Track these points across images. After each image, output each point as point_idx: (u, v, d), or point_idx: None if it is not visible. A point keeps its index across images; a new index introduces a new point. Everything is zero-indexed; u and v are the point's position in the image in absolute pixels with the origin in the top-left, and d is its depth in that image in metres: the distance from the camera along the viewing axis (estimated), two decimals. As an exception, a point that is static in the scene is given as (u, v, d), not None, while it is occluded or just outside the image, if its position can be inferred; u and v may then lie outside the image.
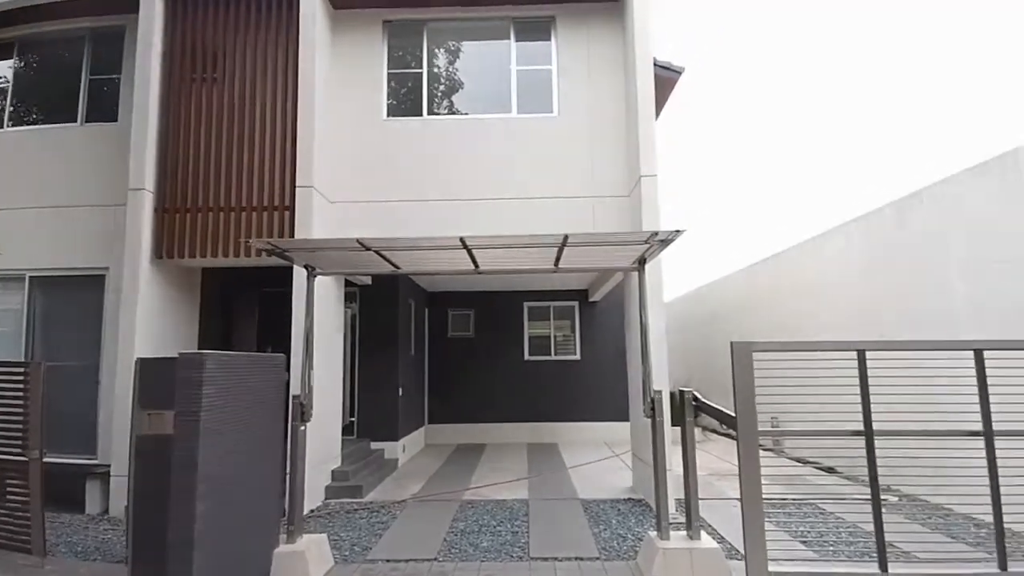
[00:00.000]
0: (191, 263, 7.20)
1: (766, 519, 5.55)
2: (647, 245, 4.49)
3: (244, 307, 8.98)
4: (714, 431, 11.57)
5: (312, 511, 6.45)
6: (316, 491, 6.78)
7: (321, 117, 7.22)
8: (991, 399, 3.61)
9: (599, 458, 9.36)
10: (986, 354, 3.66)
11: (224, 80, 7.20)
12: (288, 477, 4.70)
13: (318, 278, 6.91)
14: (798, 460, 8.34)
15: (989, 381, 3.63)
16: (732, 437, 3.70)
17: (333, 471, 7.21)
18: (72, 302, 7.15)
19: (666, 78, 9.06)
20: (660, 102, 9.43)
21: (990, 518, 3.57)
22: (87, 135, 7.41)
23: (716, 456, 9.30)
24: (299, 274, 6.53)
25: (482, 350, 12.04)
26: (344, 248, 4.43)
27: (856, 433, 3.69)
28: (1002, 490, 3.51)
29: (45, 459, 6.38)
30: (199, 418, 3.42)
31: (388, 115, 7.86)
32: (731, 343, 3.73)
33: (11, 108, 7.68)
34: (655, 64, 8.78)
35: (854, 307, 7.89)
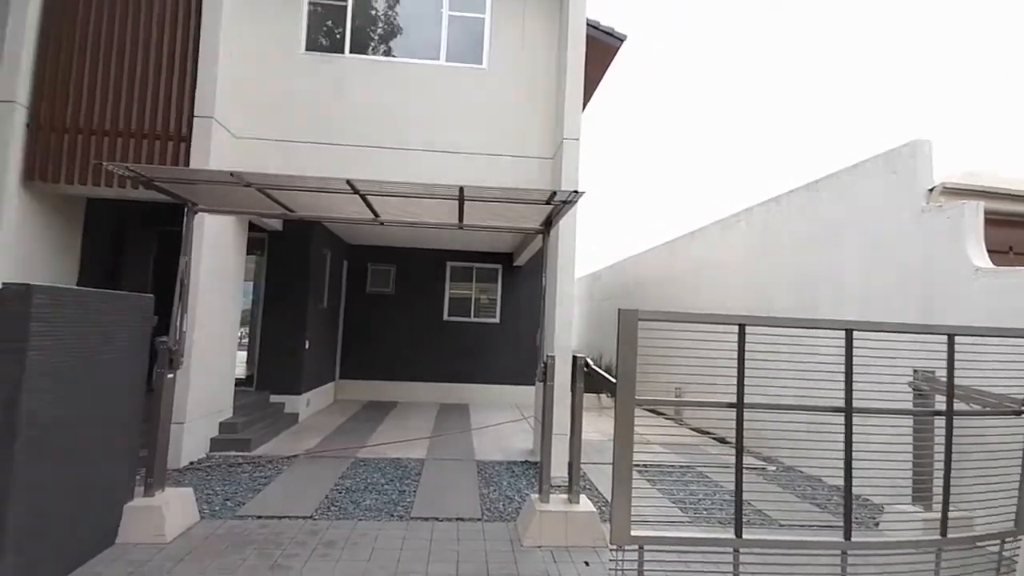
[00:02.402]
0: (71, 191, 6.50)
1: (648, 483, 5.68)
2: (550, 206, 4.35)
3: (137, 247, 8.28)
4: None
5: (192, 463, 6.12)
6: (200, 442, 6.43)
7: (229, 40, 6.60)
8: (856, 378, 3.73)
9: (505, 420, 9.39)
10: (855, 334, 3.77)
11: (116, -13, 6.42)
12: (152, 428, 4.35)
13: (213, 218, 6.49)
14: (697, 430, 8.67)
15: (856, 360, 3.76)
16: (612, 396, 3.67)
17: (221, 423, 6.85)
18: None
19: (607, 44, 8.88)
20: (600, 68, 9.26)
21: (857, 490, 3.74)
22: (-53, 34, 6.46)
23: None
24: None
25: (401, 307, 11.77)
26: (219, 181, 4.05)
27: (730, 405, 3.74)
28: (854, 464, 3.67)
29: None
30: (24, 357, 3.04)
31: (308, 48, 7.30)
32: (619, 310, 3.66)
33: None
34: (597, 28, 8.57)
35: (752, 286, 8.18)
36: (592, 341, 15.99)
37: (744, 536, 3.54)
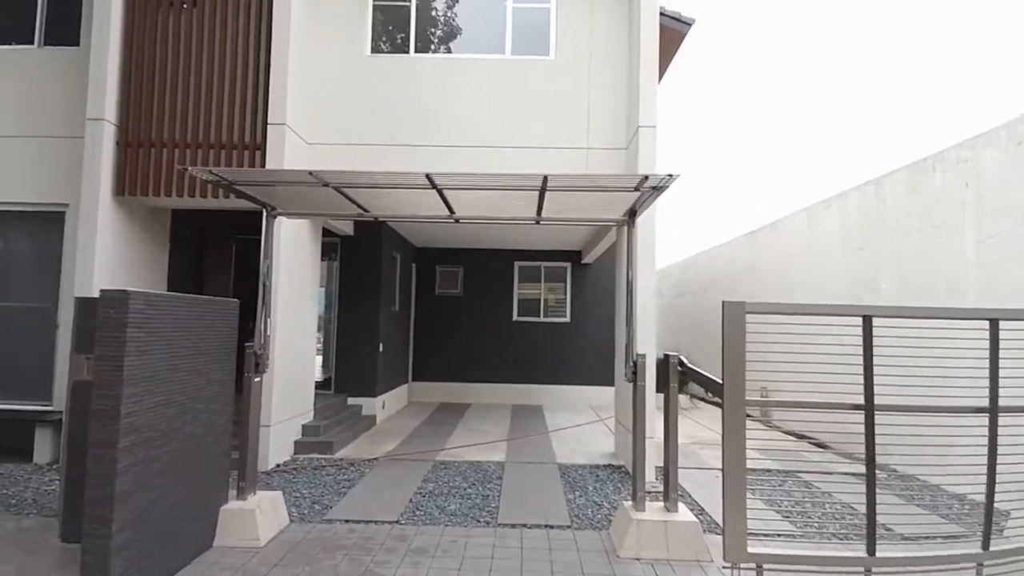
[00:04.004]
0: (156, 202, 6.75)
1: (749, 492, 5.28)
2: (637, 193, 4.06)
3: (218, 253, 8.56)
4: (702, 399, 11.33)
5: (278, 466, 6.19)
6: (285, 445, 6.51)
7: (298, 50, 6.67)
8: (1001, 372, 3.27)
9: (583, 422, 9.11)
10: (1002, 324, 3.29)
11: (194, 3, 6.61)
12: (241, 431, 4.37)
13: (290, 223, 6.56)
14: (788, 433, 8.09)
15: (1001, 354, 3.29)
16: (720, 405, 3.35)
17: (304, 426, 6.93)
18: (28, 240, 6.72)
19: (674, 30, 8.47)
20: (667, 56, 8.86)
21: (981, 497, 3.30)
22: (45, 59, 6.84)
23: (702, 424, 9.06)
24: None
25: (470, 309, 11.70)
26: (298, 182, 4.00)
27: (856, 407, 3.35)
28: (998, 469, 3.21)
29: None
30: (123, 363, 3.05)
31: (373, 51, 7.30)
32: (723, 302, 3.34)
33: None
34: (663, 14, 8.17)
35: (853, 277, 7.52)
36: (664, 339, 15.44)
37: (878, 554, 3.15)
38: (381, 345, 8.98)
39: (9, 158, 6.64)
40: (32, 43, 6.92)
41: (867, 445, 3.23)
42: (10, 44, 6.95)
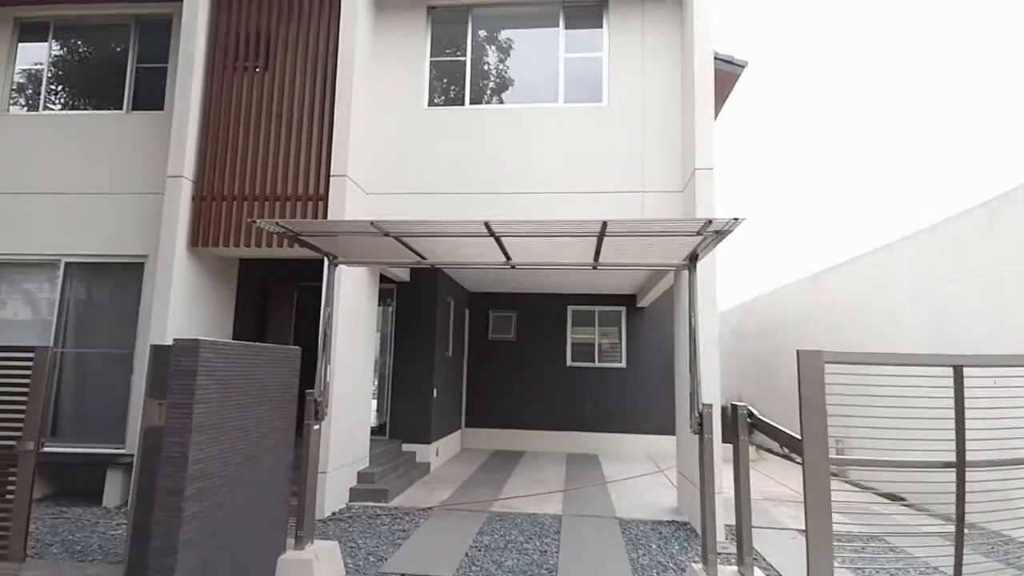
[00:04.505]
0: (226, 252, 7.08)
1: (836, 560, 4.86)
2: (700, 237, 3.95)
3: (280, 301, 8.87)
4: (769, 450, 10.72)
5: (334, 514, 6.17)
6: (340, 492, 6.50)
7: (359, 105, 6.98)
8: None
9: (642, 473, 8.75)
10: None
11: (265, 68, 7.07)
12: (300, 478, 4.38)
13: (349, 271, 6.74)
14: (859, 486, 7.52)
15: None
16: (792, 459, 3.12)
17: (359, 472, 6.92)
18: (109, 289, 7.14)
19: (727, 72, 8.46)
20: (721, 97, 8.82)
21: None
22: (133, 123, 7.41)
23: (772, 478, 8.53)
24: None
25: (523, 354, 11.61)
26: (359, 232, 4.10)
27: (946, 464, 3.05)
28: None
29: (66, 449, 6.41)
30: (192, 411, 3.12)
31: (429, 104, 7.57)
32: (798, 352, 3.15)
33: (53, 91, 7.78)
34: (716, 58, 8.17)
35: (930, 321, 7.04)
36: (724, 386, 14.82)
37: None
38: (435, 391, 8.98)
39: (98, 213, 7.13)
40: (121, 108, 7.53)
41: (957, 504, 2.93)
42: (102, 110, 7.60)
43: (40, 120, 7.60)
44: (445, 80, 7.73)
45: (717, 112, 9.25)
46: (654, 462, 9.76)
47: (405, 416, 8.76)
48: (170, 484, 3.06)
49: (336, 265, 4.86)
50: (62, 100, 7.83)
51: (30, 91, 7.76)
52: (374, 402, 8.77)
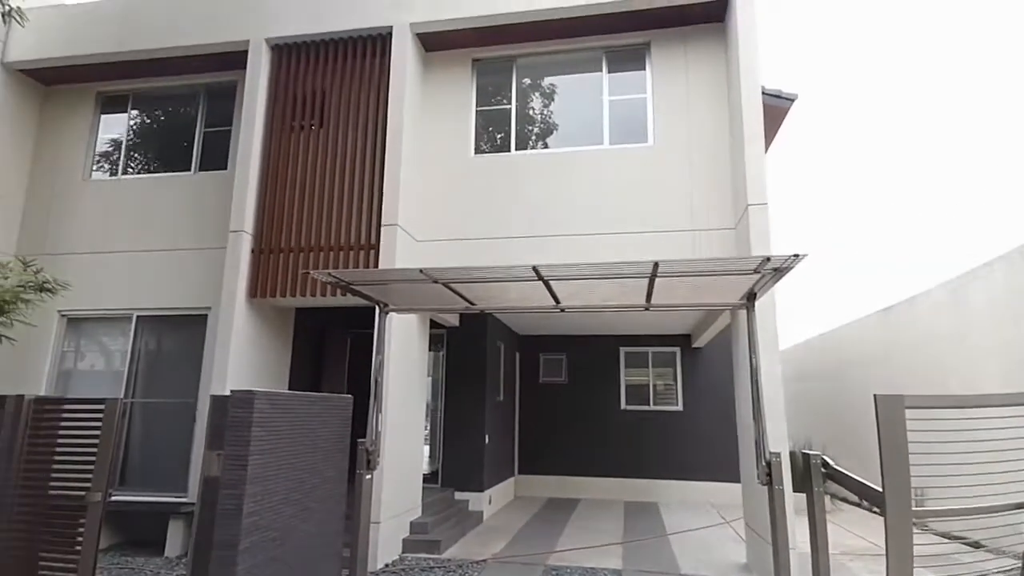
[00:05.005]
0: (283, 303, 7.31)
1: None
2: (757, 275, 3.79)
3: (334, 349, 9.04)
4: (844, 499, 9.97)
5: (387, 565, 6.05)
6: (393, 543, 6.40)
7: (408, 156, 7.20)
8: None
9: (706, 524, 8.27)
10: None
11: (320, 125, 7.41)
12: (353, 529, 4.33)
13: (400, 318, 6.81)
14: (944, 536, 6.86)
15: None
16: (872, 510, 2.85)
17: (412, 522, 6.81)
18: (176, 341, 7.46)
19: (776, 107, 8.31)
20: (771, 132, 8.67)
21: None
22: (199, 183, 7.87)
23: (848, 530, 7.89)
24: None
25: (575, 397, 11.36)
26: (409, 280, 4.14)
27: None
28: None
29: (133, 498, 6.60)
30: (247, 462, 3.14)
31: (476, 152, 7.73)
32: (875, 396, 2.91)
33: (130, 157, 8.38)
34: (764, 93, 8.06)
35: (1015, 358, 6.48)
36: (790, 430, 14.04)
37: None
38: (487, 437, 8.85)
39: (167, 268, 7.53)
40: (190, 170, 8.02)
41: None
42: (173, 172, 8.12)
43: (118, 184, 8.18)
44: (491, 128, 7.90)
45: (768, 145, 9.08)
46: (718, 512, 9.23)
47: (457, 463, 8.64)
48: (226, 537, 3.06)
49: (387, 313, 4.90)
50: (139, 165, 8.43)
51: (115, 157, 8.39)
52: (426, 448, 8.72)
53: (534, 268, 3.78)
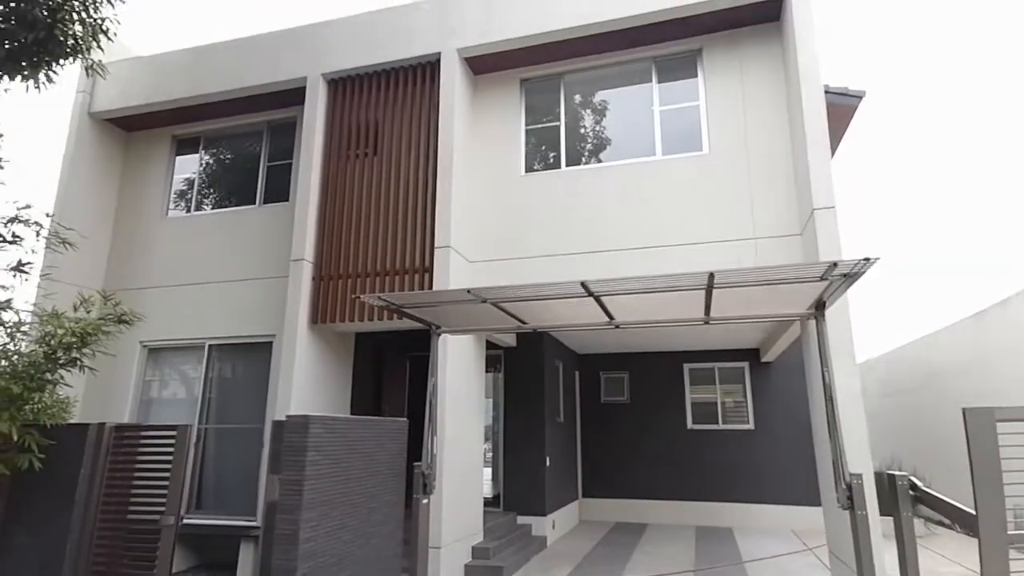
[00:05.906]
0: (343, 327, 7.48)
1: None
2: (825, 282, 3.53)
3: (393, 372, 9.16)
4: (939, 523, 9.12)
5: (449, 591, 5.98)
6: (455, 569, 6.32)
7: (459, 179, 7.27)
8: None
9: (786, 551, 7.75)
10: None
11: (375, 153, 7.62)
12: (411, 553, 4.29)
13: (455, 340, 6.82)
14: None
15: None
16: (968, 534, 2.56)
17: (474, 547, 6.73)
18: (245, 368, 7.76)
19: (842, 106, 7.86)
20: (838, 132, 8.21)
21: None
22: (263, 215, 8.24)
23: (945, 556, 7.20)
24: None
25: (639, 417, 11.01)
26: (457, 301, 4.11)
27: None
28: None
29: (208, 521, 6.84)
30: (303, 487, 3.17)
31: (526, 171, 7.72)
32: (963, 410, 2.64)
33: (200, 194, 8.90)
34: (828, 91, 7.66)
35: None
36: (874, 447, 13.08)
37: None
38: (548, 459, 8.68)
39: (236, 298, 7.88)
40: (255, 203, 8.42)
41: None
42: (240, 205, 8.55)
43: (192, 220, 8.69)
44: (543, 146, 7.88)
45: (835, 146, 8.60)
46: (798, 537, 8.65)
47: (518, 486, 8.51)
48: (283, 563, 3.08)
49: (440, 334, 4.90)
50: (210, 201, 8.93)
51: (188, 195, 8.94)
52: (487, 470, 8.64)
53: (583, 284, 3.68)
